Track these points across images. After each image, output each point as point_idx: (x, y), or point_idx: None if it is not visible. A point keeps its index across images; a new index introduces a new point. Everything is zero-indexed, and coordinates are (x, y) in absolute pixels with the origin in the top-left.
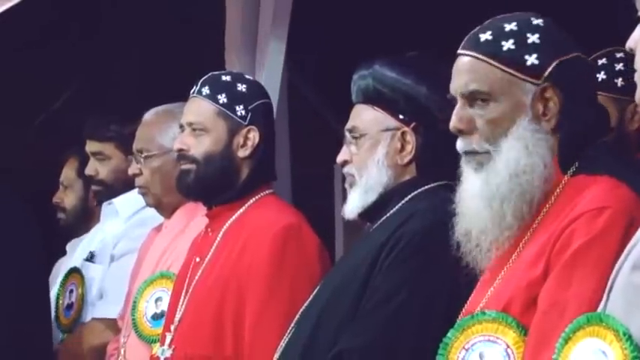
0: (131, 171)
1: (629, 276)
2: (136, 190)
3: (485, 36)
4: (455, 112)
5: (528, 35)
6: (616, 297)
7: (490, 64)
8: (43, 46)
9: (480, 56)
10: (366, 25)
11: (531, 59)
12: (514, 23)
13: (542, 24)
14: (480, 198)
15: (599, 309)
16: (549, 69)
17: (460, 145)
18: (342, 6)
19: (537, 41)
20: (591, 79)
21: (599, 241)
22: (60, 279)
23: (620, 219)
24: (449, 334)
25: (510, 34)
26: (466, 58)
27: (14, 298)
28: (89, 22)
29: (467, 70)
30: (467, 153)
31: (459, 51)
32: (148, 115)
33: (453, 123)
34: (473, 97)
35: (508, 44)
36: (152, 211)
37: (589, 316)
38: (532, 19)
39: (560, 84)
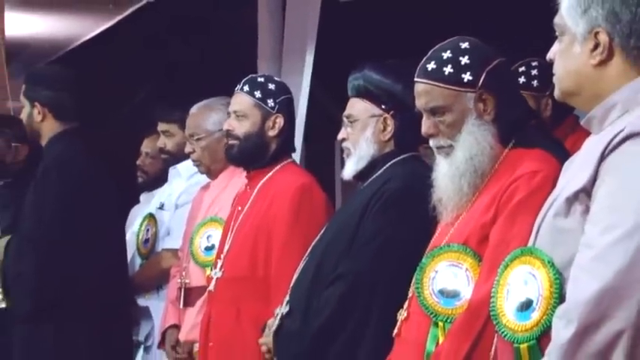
0: (187, 150)
1: (553, 221)
2: None
3: (431, 65)
4: (423, 122)
5: (460, 59)
6: (543, 235)
7: (439, 86)
8: (132, 56)
9: (431, 82)
10: (370, 43)
11: (467, 76)
12: (449, 51)
13: (468, 46)
14: (446, 176)
15: (529, 244)
16: (481, 79)
17: (432, 143)
18: (344, 35)
19: (468, 62)
20: (511, 76)
21: (535, 195)
22: (139, 220)
23: (549, 179)
24: (423, 260)
25: (448, 61)
26: (422, 85)
27: (102, 233)
28: (163, 44)
29: (424, 93)
30: (437, 148)
31: (415, 79)
32: (194, 109)
33: (424, 130)
34: (433, 111)
35: (448, 69)
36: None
37: (522, 249)
38: (460, 44)
39: (491, 86)
